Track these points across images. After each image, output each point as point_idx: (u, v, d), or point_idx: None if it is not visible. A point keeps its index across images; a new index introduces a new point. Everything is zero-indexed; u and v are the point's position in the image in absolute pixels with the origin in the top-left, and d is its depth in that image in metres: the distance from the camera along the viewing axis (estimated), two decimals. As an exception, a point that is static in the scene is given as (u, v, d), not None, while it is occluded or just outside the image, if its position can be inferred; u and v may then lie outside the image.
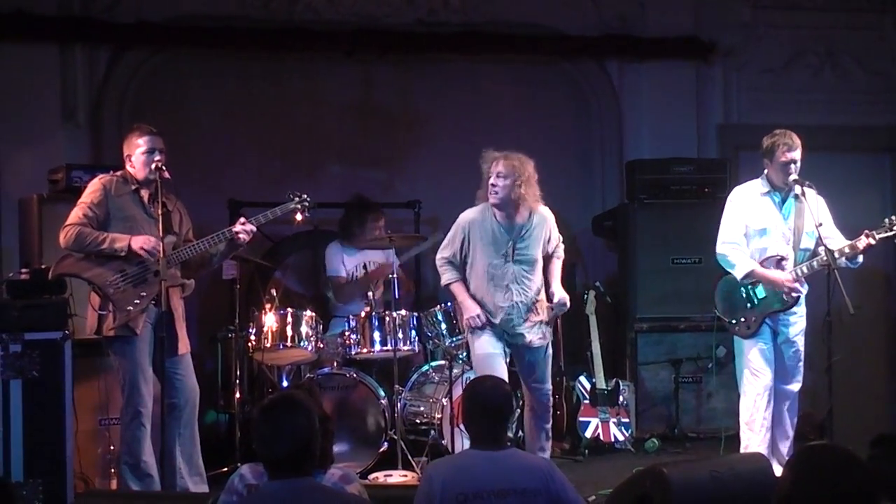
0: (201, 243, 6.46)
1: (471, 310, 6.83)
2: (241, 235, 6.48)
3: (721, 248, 6.94)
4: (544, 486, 4.66)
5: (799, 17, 10.13)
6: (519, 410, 7.56)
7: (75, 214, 6.35)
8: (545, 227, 6.90)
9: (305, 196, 6.75)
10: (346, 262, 8.42)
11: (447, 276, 6.97)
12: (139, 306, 6.27)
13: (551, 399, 7.07)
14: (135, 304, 6.25)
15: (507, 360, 6.87)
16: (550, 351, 6.99)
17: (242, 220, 6.59)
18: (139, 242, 6.25)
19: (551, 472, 4.79)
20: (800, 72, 10.13)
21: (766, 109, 9.75)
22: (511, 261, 6.78)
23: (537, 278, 6.87)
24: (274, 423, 4.08)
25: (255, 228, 6.56)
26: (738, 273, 6.84)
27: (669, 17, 9.75)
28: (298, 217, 6.77)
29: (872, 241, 6.57)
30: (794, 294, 6.73)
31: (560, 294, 6.87)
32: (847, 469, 3.47)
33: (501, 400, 4.89)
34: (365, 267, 8.38)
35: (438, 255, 7.00)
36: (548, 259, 6.96)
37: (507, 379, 6.64)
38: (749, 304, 6.83)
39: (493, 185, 6.74)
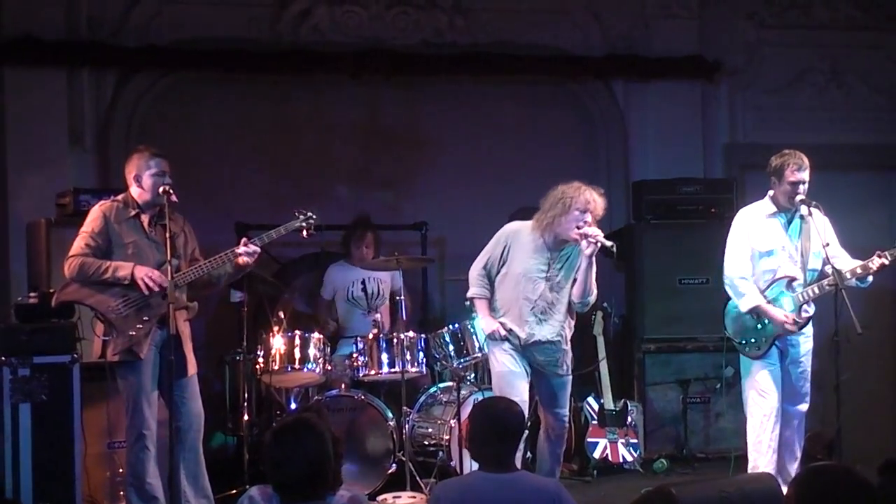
0: (206, 265, 6.45)
1: (491, 324, 6.81)
2: (242, 258, 6.47)
3: (729, 276, 6.91)
4: (553, 509, 4.66)
5: (803, 36, 10.16)
6: (527, 431, 7.56)
7: (77, 245, 6.36)
8: (580, 256, 6.80)
9: (311, 214, 6.75)
10: (344, 280, 8.50)
11: (475, 290, 6.90)
12: (142, 331, 6.27)
13: (567, 425, 7.03)
14: (137, 329, 6.26)
15: (529, 380, 6.82)
16: (570, 377, 6.95)
17: (244, 240, 6.59)
18: (142, 273, 6.26)
19: (559, 494, 4.78)
20: (805, 91, 10.15)
21: (771, 129, 9.77)
22: (545, 279, 6.73)
23: (564, 307, 6.81)
24: (286, 447, 4.09)
25: (258, 249, 6.55)
26: (744, 306, 6.82)
27: (674, 37, 9.77)
28: (304, 234, 6.78)
29: (886, 262, 6.56)
30: (797, 323, 6.72)
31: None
32: (850, 489, 3.48)
33: (516, 423, 4.89)
34: (364, 283, 8.39)
35: (474, 266, 6.92)
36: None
37: (527, 399, 6.71)
38: (759, 325, 6.81)
39: (584, 223, 6.61)
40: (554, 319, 6.77)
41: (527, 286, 6.74)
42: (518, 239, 6.81)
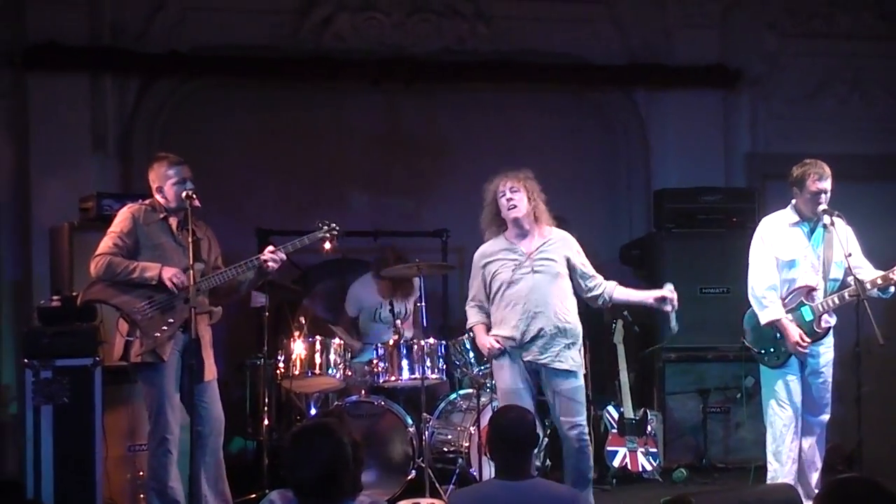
0: (229, 271, 6.49)
1: (486, 343, 6.65)
2: (269, 263, 6.51)
3: (755, 286, 6.84)
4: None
5: (825, 46, 10.13)
6: (547, 439, 7.55)
7: (105, 244, 6.38)
8: (567, 244, 6.70)
9: (335, 225, 6.77)
10: (372, 301, 8.49)
11: (472, 319, 6.79)
12: (166, 333, 6.29)
13: (586, 437, 6.63)
14: (162, 331, 6.28)
15: (534, 392, 6.61)
16: (581, 383, 6.64)
17: (271, 248, 6.61)
18: (169, 273, 6.29)
19: (576, 501, 4.79)
20: (827, 100, 10.12)
21: (793, 138, 9.73)
22: (532, 272, 6.54)
23: (560, 293, 6.59)
24: (301, 449, 4.12)
25: (284, 256, 6.59)
26: (763, 318, 6.78)
27: (695, 46, 9.77)
28: (327, 245, 6.78)
29: None
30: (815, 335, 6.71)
31: (657, 291, 6.69)
32: (878, 502, 3.46)
33: (523, 432, 4.87)
34: (392, 305, 8.35)
35: (468, 301, 6.84)
36: (605, 291, 6.71)
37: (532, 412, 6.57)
38: (778, 335, 6.78)
39: (509, 199, 6.58)
40: (549, 309, 6.52)
41: (513, 288, 6.56)
42: (490, 256, 6.69)
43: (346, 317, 8.61)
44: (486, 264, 6.70)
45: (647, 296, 6.74)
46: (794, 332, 6.68)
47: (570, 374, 6.57)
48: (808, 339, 6.66)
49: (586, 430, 6.65)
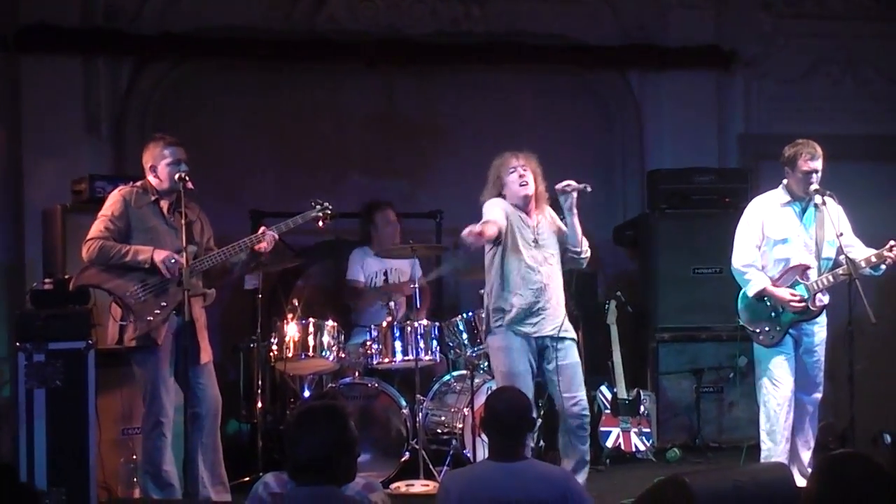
0: (222, 252, 6.48)
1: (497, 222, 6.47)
2: (261, 244, 6.51)
3: (735, 265, 6.94)
4: (561, 497, 4.66)
5: (819, 27, 10.13)
6: (540, 420, 7.55)
7: (96, 228, 6.37)
8: (555, 218, 6.76)
9: (327, 204, 6.79)
10: (367, 268, 8.45)
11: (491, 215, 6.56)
12: (160, 316, 6.29)
13: (587, 413, 6.63)
14: (155, 315, 6.28)
15: (534, 374, 6.59)
16: (579, 360, 6.70)
17: (263, 228, 6.62)
18: (162, 256, 6.28)
19: (569, 482, 4.80)
20: (821, 81, 10.12)
21: (787, 119, 9.74)
22: (539, 246, 6.59)
23: (560, 270, 6.69)
24: (304, 427, 4.14)
25: (276, 236, 6.59)
26: (750, 291, 6.82)
27: (690, 27, 9.76)
28: (320, 224, 6.81)
29: None
30: (805, 306, 6.72)
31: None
32: (871, 477, 3.47)
33: (517, 416, 4.86)
34: (385, 274, 8.38)
35: (486, 214, 6.60)
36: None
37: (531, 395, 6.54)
38: (773, 314, 6.80)
39: (521, 176, 6.61)
40: (554, 283, 6.61)
41: (527, 257, 6.56)
42: (510, 213, 6.62)
43: (359, 287, 8.51)
44: (510, 217, 6.61)
45: (567, 215, 6.64)
46: (785, 293, 6.72)
47: (574, 344, 6.67)
48: (798, 294, 6.71)
49: (587, 406, 6.67)
